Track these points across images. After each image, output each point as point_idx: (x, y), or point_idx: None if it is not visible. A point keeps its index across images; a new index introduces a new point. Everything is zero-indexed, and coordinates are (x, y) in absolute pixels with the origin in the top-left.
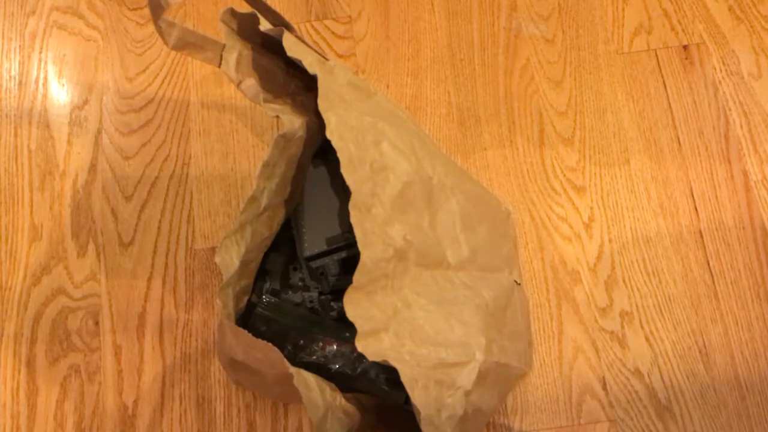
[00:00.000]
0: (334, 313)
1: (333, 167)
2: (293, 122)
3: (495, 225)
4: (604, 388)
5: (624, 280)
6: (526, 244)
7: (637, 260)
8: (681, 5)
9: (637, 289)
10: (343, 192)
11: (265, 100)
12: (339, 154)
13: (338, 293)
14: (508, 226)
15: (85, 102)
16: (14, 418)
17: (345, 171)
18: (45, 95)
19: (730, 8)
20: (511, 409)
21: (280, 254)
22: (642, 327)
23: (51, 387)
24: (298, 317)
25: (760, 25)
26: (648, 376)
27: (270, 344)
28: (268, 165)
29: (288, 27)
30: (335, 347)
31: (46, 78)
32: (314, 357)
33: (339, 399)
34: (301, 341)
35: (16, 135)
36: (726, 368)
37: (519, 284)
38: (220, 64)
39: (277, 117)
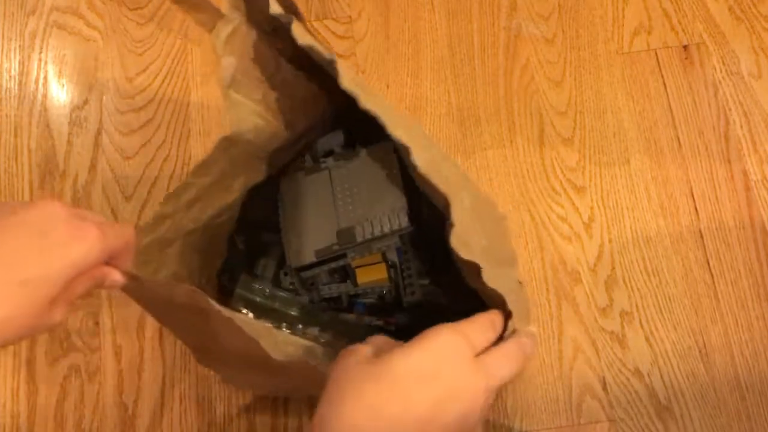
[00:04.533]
0: (326, 316)
1: (322, 177)
2: (243, 122)
3: (495, 226)
4: (604, 388)
5: (624, 280)
6: (526, 244)
7: (637, 260)
8: (681, 5)
9: (637, 289)
10: (332, 202)
11: (238, 86)
12: (382, 118)
13: (329, 300)
14: (505, 229)
15: (85, 102)
16: (14, 418)
17: (393, 130)
18: (45, 95)
19: (730, 8)
20: (511, 409)
21: (271, 258)
22: (642, 327)
23: (51, 387)
24: (280, 301)
25: (760, 25)
26: (648, 376)
27: (190, 287)
28: (205, 164)
29: (298, 16)
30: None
31: (46, 78)
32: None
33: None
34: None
35: (16, 135)
36: (726, 368)
37: (521, 284)
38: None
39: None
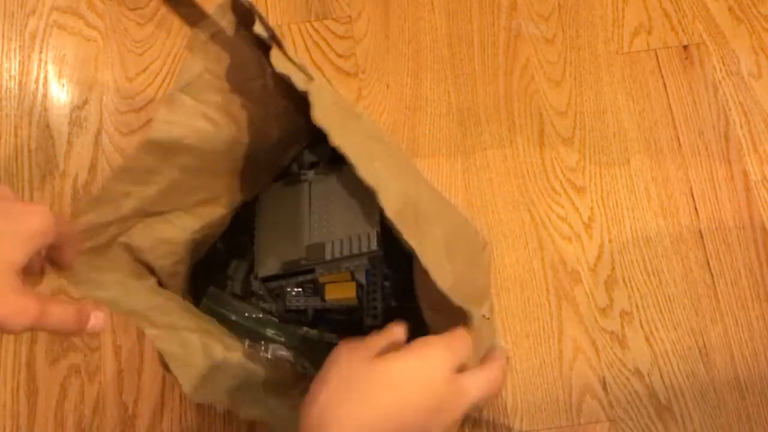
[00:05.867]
0: (290, 333)
1: (300, 189)
2: (177, 127)
3: (472, 257)
4: (604, 388)
5: (624, 280)
6: (526, 244)
7: (637, 260)
8: (681, 5)
9: (637, 289)
10: (307, 216)
11: (194, 89)
12: (351, 158)
13: (295, 312)
14: (483, 258)
15: (85, 102)
16: (14, 418)
17: (362, 171)
18: (45, 95)
19: (730, 8)
20: (511, 409)
21: (244, 262)
22: (642, 327)
23: (51, 387)
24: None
25: (760, 25)
26: (648, 376)
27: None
28: (133, 171)
29: (279, 43)
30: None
31: (46, 78)
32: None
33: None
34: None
35: (16, 135)
36: (726, 368)
37: (488, 318)
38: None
39: None
